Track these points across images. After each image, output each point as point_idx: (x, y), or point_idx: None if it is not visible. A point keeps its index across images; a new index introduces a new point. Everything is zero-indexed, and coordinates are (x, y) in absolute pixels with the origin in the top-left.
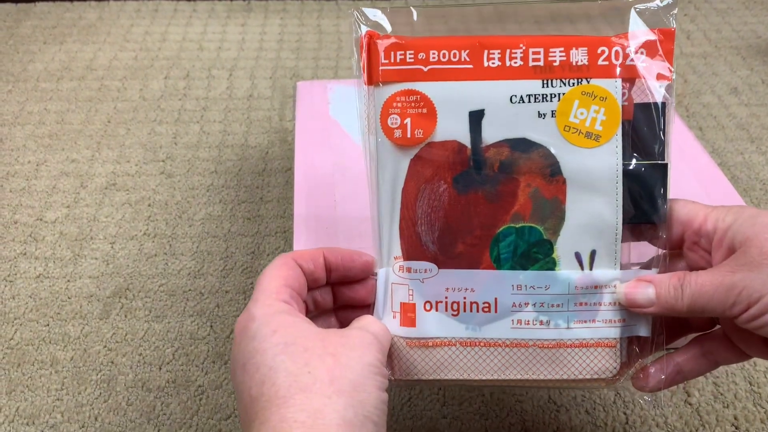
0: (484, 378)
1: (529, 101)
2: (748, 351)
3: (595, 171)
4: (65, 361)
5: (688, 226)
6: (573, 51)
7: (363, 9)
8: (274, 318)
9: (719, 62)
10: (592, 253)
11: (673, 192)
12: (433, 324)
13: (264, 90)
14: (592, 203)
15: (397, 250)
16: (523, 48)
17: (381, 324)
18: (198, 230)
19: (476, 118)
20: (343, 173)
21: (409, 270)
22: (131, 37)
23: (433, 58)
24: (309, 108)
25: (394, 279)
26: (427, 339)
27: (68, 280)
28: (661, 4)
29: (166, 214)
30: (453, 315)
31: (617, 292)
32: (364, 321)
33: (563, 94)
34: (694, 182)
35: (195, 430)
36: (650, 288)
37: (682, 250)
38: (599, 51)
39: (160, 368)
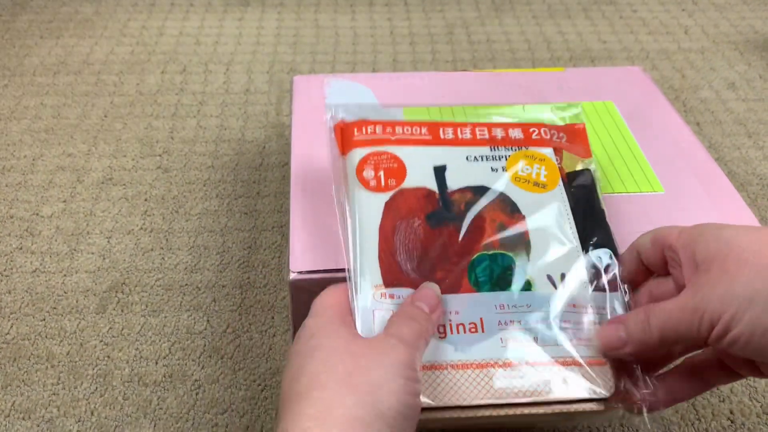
0: (480, 403)
1: (483, 160)
2: (738, 370)
3: (548, 210)
4: (61, 355)
5: (665, 245)
6: (510, 129)
7: (335, 106)
8: (318, 326)
9: (717, 57)
10: (563, 276)
11: (670, 187)
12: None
13: (261, 84)
14: (552, 234)
15: (378, 279)
16: (471, 128)
17: (410, 328)
18: (195, 225)
19: (440, 171)
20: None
21: (392, 296)
22: (128, 32)
23: (398, 131)
24: (306, 103)
25: (376, 306)
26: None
27: (64, 275)
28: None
29: (162, 209)
30: (440, 337)
31: (592, 340)
32: (391, 326)
33: (509, 155)
34: (692, 177)
35: (191, 424)
36: (621, 328)
37: (668, 270)
38: (531, 130)
39: (157, 363)
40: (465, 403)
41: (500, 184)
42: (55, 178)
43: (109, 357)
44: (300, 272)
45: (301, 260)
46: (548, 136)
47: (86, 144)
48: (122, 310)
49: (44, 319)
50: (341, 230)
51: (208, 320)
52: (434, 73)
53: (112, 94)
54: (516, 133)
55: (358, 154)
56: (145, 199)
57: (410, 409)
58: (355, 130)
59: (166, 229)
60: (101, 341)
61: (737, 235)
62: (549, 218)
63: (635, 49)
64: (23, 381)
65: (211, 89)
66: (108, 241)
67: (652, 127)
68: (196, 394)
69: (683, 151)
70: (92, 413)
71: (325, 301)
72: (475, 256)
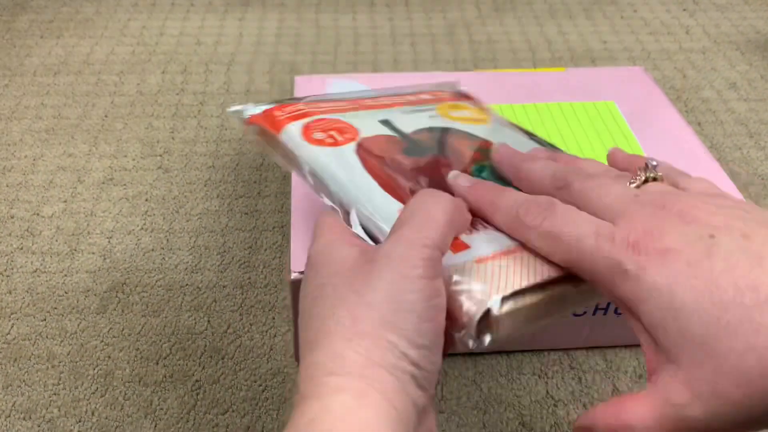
0: (545, 277)
1: (417, 112)
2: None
3: (506, 132)
4: (62, 355)
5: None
6: (422, 95)
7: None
8: (321, 256)
9: (718, 57)
10: None
11: None
12: (483, 241)
13: (262, 84)
14: (525, 143)
15: (395, 206)
16: (388, 99)
17: (412, 236)
18: (195, 225)
19: (387, 122)
20: None
21: None
22: (128, 32)
23: (323, 106)
24: None
25: None
26: (485, 257)
27: (65, 275)
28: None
29: (163, 209)
30: (493, 229)
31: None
32: (408, 212)
33: (435, 107)
34: None
35: (192, 424)
36: None
37: None
38: (440, 93)
39: (157, 363)
40: (540, 280)
41: (445, 123)
42: (56, 178)
43: (109, 357)
44: (301, 272)
45: (303, 260)
46: (455, 95)
47: (87, 144)
48: (123, 311)
49: (45, 319)
50: (324, 202)
51: (208, 320)
52: (435, 73)
53: (112, 94)
54: (427, 97)
55: (297, 125)
56: (146, 200)
57: (428, 335)
58: (276, 112)
59: (167, 229)
60: (102, 341)
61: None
62: (512, 137)
63: (636, 49)
64: (24, 381)
65: (212, 89)
66: (108, 241)
67: (653, 128)
68: (197, 394)
69: (685, 152)
70: (93, 413)
71: (329, 218)
72: (472, 167)
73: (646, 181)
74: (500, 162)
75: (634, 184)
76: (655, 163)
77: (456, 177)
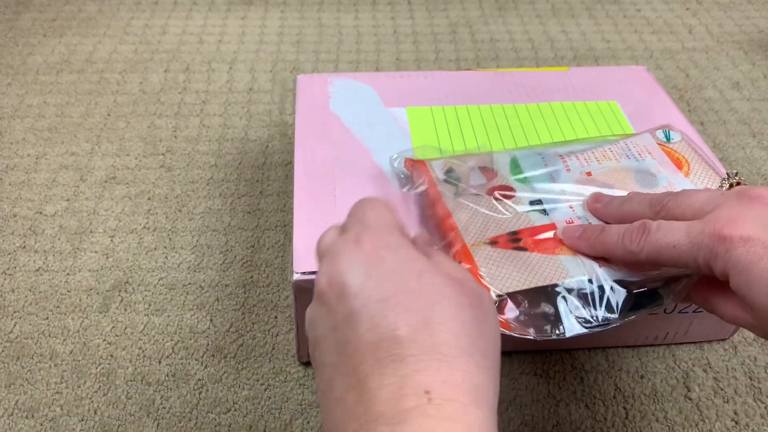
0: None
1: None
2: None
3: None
4: (64, 354)
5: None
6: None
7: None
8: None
9: (721, 57)
10: None
11: None
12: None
13: (264, 83)
14: None
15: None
16: None
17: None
18: (198, 224)
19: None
20: (343, 167)
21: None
22: (131, 30)
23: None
24: (309, 102)
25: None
26: None
27: (68, 274)
28: None
29: (165, 208)
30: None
31: None
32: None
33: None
34: None
35: (194, 423)
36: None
37: None
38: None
39: (160, 362)
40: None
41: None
42: (59, 176)
43: (112, 356)
44: (304, 273)
45: (306, 261)
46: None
47: (89, 143)
48: (125, 309)
49: (47, 318)
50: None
51: (211, 319)
52: (438, 72)
53: (115, 92)
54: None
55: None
56: (149, 198)
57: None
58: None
59: (170, 228)
60: (104, 340)
61: None
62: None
63: (639, 48)
64: (26, 379)
65: (214, 88)
66: (111, 240)
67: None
68: (199, 393)
69: None
70: (95, 412)
71: (373, 212)
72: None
73: (731, 186)
74: (600, 209)
75: (723, 189)
76: (735, 171)
77: (565, 230)
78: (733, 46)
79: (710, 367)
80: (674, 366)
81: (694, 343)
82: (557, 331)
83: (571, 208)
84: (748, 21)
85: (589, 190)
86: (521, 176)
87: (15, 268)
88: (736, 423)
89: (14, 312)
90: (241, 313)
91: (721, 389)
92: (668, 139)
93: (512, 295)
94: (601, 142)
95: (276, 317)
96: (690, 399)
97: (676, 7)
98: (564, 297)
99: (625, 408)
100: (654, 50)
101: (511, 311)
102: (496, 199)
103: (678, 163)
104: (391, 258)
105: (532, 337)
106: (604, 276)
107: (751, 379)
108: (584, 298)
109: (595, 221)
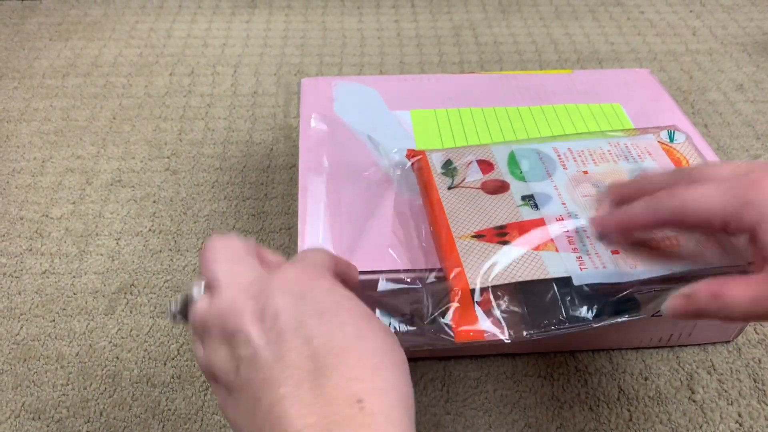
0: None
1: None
2: None
3: None
4: (71, 356)
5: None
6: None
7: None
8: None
9: (725, 59)
10: None
11: None
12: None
13: (269, 86)
14: None
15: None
16: None
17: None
18: (203, 226)
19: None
20: (347, 170)
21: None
22: (136, 34)
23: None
24: (313, 105)
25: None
26: None
27: (74, 276)
28: None
29: (171, 211)
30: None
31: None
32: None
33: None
34: None
35: (200, 425)
36: (689, 304)
37: None
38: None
39: (165, 364)
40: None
41: None
42: (65, 180)
43: (118, 358)
44: None
45: None
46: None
47: (95, 146)
48: (131, 312)
49: (54, 320)
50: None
51: None
52: (441, 75)
53: (120, 96)
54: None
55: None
56: (154, 201)
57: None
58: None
59: (175, 231)
60: (110, 342)
61: None
62: None
63: (643, 50)
64: (33, 381)
65: (219, 91)
66: (117, 243)
67: (661, 127)
68: (204, 395)
69: None
70: (101, 414)
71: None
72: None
73: None
74: (620, 188)
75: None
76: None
77: (602, 217)
78: (737, 48)
79: (714, 369)
80: (678, 368)
81: (698, 345)
82: (530, 332)
83: (563, 204)
84: (752, 23)
85: (584, 187)
86: (517, 171)
87: (22, 270)
88: (740, 425)
89: (21, 314)
90: None
91: (725, 391)
92: (672, 139)
93: (490, 290)
94: (601, 139)
95: None
96: (694, 401)
97: (680, 9)
98: (541, 295)
99: (628, 410)
100: (657, 52)
101: (483, 318)
102: (489, 193)
103: (678, 163)
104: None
105: (505, 340)
106: (582, 277)
107: (755, 381)
108: (562, 297)
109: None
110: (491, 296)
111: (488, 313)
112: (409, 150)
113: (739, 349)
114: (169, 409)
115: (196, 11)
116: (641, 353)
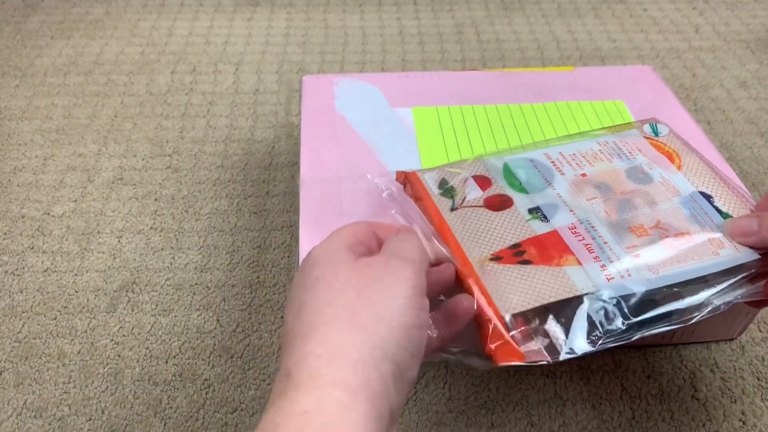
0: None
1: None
2: None
3: None
4: (72, 354)
5: None
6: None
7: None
8: (321, 253)
9: (728, 56)
10: None
11: None
12: None
13: (270, 84)
14: None
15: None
16: None
17: (415, 244)
18: (204, 224)
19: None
20: (349, 167)
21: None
22: (138, 32)
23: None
24: (315, 102)
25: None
26: None
27: (75, 274)
28: None
29: (172, 209)
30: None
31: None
32: (396, 244)
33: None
34: None
35: (201, 423)
36: (754, 222)
37: None
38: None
39: (167, 362)
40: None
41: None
42: (66, 177)
43: (119, 356)
44: None
45: None
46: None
47: (97, 144)
48: (132, 310)
49: (55, 318)
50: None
51: (217, 319)
52: (443, 72)
53: (122, 94)
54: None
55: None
56: (155, 199)
57: (414, 341)
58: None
59: (176, 229)
60: (112, 340)
61: None
62: None
63: (645, 47)
64: (35, 379)
65: (221, 89)
66: (118, 241)
67: (642, 120)
68: (206, 393)
69: None
70: (103, 412)
71: (340, 230)
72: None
73: None
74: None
75: None
76: None
77: (733, 226)
78: (740, 45)
79: (717, 368)
80: (681, 366)
81: (701, 343)
82: (567, 350)
83: (571, 211)
84: (755, 20)
85: (586, 191)
86: (516, 184)
87: (23, 268)
88: (744, 423)
89: (23, 312)
90: (248, 313)
91: (729, 389)
92: (656, 133)
93: (522, 315)
94: (588, 139)
95: (282, 317)
96: (697, 399)
97: (683, 6)
98: (574, 313)
99: (631, 408)
100: (660, 49)
101: (523, 342)
102: (494, 209)
103: (669, 157)
104: None
105: (546, 362)
106: (611, 288)
107: (758, 380)
108: (597, 313)
109: (604, 228)
110: (525, 321)
111: (526, 338)
112: (398, 172)
113: (743, 347)
114: (171, 407)
115: (198, 9)
116: (644, 351)
